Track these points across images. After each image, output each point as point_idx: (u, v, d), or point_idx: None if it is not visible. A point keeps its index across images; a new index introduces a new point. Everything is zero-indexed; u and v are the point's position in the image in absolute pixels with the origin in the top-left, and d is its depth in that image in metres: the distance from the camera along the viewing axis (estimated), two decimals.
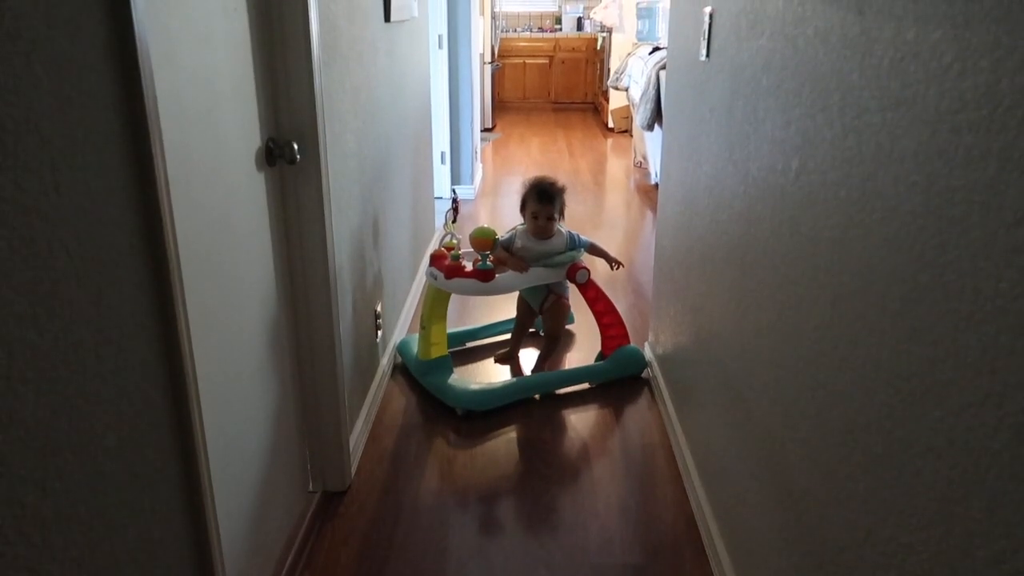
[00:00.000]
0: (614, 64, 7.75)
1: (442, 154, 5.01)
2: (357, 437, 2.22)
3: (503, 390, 2.55)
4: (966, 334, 0.81)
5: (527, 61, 9.69)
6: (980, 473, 0.79)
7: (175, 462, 1.13)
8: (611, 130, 8.12)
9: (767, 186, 1.48)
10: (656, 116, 4.97)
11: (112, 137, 0.94)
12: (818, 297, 1.21)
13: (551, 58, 9.67)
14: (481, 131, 6.71)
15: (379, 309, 2.56)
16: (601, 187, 5.91)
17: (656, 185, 4.64)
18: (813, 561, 1.24)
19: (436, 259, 2.58)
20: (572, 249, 2.67)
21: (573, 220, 4.89)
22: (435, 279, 2.52)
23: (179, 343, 1.10)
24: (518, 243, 2.62)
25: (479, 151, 5.80)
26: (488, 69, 7.66)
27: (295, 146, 1.69)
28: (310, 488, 2.02)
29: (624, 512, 2.04)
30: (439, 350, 2.62)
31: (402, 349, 2.81)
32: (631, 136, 6.97)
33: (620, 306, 3.49)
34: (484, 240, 2.54)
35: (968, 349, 0.81)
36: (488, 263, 2.51)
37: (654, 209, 3.98)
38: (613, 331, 2.80)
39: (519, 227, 2.68)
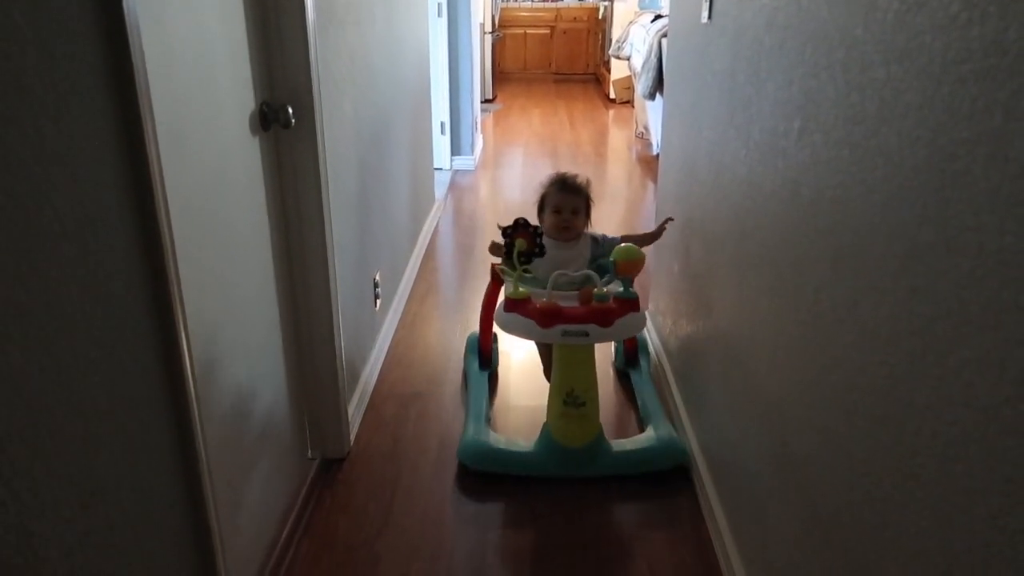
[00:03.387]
0: (616, 34, 7.66)
1: (442, 124, 4.97)
2: (356, 405, 2.22)
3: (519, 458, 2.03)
4: (968, 291, 0.80)
5: (528, 31, 9.57)
6: (980, 430, 0.78)
7: (170, 427, 1.12)
8: (613, 101, 8.05)
9: (769, 148, 1.45)
10: (658, 85, 4.92)
11: (98, 95, 0.92)
12: (818, 258, 1.20)
13: (552, 28, 9.55)
14: (481, 102, 6.65)
15: (378, 278, 2.55)
16: (603, 158, 5.87)
17: (657, 156, 4.59)
18: (812, 524, 1.23)
19: (558, 312, 1.86)
20: (600, 256, 2.13)
21: None
22: (587, 335, 1.84)
23: (172, 307, 1.09)
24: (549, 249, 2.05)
25: (479, 122, 5.75)
26: (488, 39, 7.57)
27: (290, 110, 1.66)
28: (309, 455, 2.02)
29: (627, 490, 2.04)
30: (596, 424, 2.01)
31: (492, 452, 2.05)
32: (633, 107, 6.91)
33: None
34: (636, 263, 1.95)
35: (970, 306, 0.79)
36: (632, 290, 1.95)
37: (655, 180, 3.95)
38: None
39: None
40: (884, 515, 0.98)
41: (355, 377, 2.26)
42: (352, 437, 2.15)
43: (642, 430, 2.16)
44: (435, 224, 4.10)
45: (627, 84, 7.49)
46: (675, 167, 2.46)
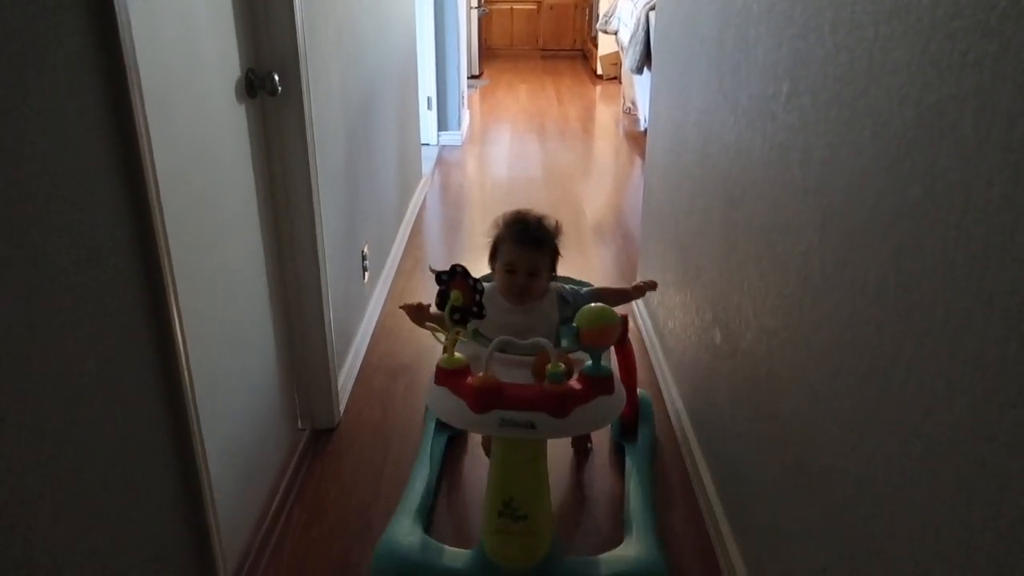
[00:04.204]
0: (603, 8, 7.61)
1: (428, 99, 4.93)
2: (345, 376, 2.22)
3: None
4: (955, 244, 0.81)
5: (514, 7, 9.49)
6: (965, 380, 0.79)
7: (160, 394, 1.12)
8: (600, 77, 8.02)
9: (757, 113, 1.46)
10: (645, 59, 4.90)
11: (85, 57, 0.91)
12: (807, 221, 1.21)
13: (539, 3, 9.48)
14: (468, 78, 6.60)
15: (366, 251, 2.54)
16: (590, 134, 5.86)
17: (645, 131, 4.60)
18: (799, 482, 1.25)
19: (497, 391, 1.37)
20: (568, 319, 1.59)
21: (562, 174, 4.90)
22: (534, 427, 1.34)
23: (162, 273, 1.08)
24: (488, 311, 1.50)
25: (466, 97, 5.71)
26: (475, 14, 7.51)
27: (276, 77, 1.64)
28: (299, 426, 2.02)
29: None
30: (544, 543, 1.48)
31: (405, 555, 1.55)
32: (620, 83, 6.88)
33: (608, 252, 3.50)
34: (606, 330, 1.43)
35: (956, 258, 0.80)
36: (605, 365, 1.44)
37: (643, 155, 3.95)
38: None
39: (489, 285, 1.62)
40: (870, 468, 0.99)
41: (345, 349, 2.26)
42: (342, 408, 2.16)
43: (620, 540, 1.65)
44: (422, 199, 4.09)
45: (614, 60, 7.46)
46: (663, 139, 2.46)
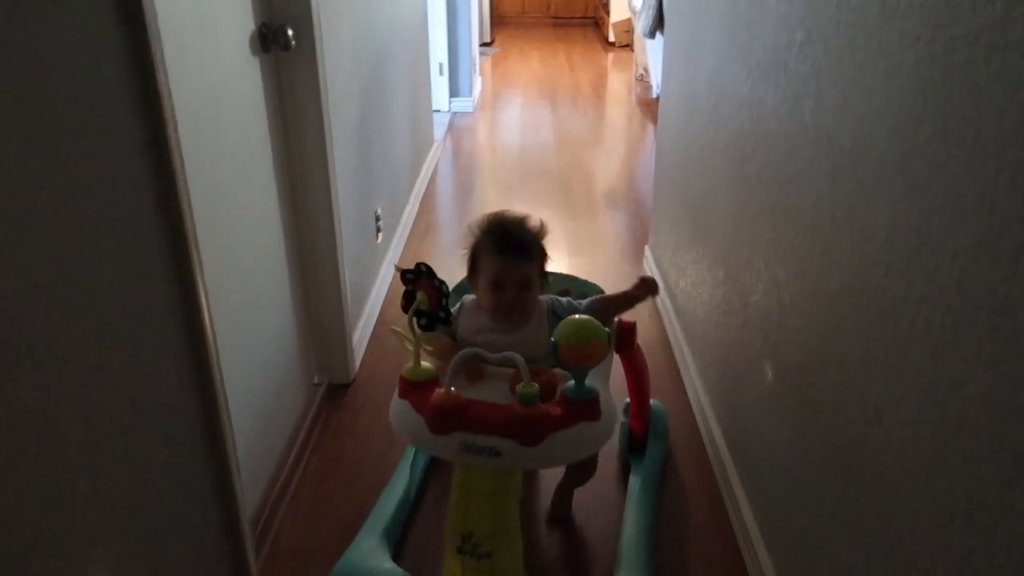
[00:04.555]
0: None
1: (440, 65, 4.91)
2: (360, 334, 2.25)
3: None
4: (964, 180, 0.82)
5: None
6: (971, 312, 0.80)
7: (184, 340, 1.14)
8: (612, 44, 7.94)
9: (770, 65, 1.45)
10: (658, 23, 4.86)
11: (105, 9, 0.92)
12: (818, 170, 1.21)
13: None
14: (480, 45, 6.56)
15: (379, 212, 2.56)
16: (602, 101, 5.82)
17: (657, 98, 4.56)
18: (807, 429, 1.27)
19: (461, 409, 1.20)
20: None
21: (573, 141, 4.89)
22: (499, 455, 1.17)
23: (183, 223, 1.10)
24: (465, 329, 1.43)
25: (478, 63, 5.68)
26: None
27: (289, 32, 1.65)
28: (315, 381, 2.06)
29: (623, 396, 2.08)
30: None
31: None
32: (632, 50, 6.82)
33: (621, 217, 3.50)
34: (590, 348, 1.20)
35: (966, 194, 0.81)
36: (590, 386, 1.23)
37: (655, 121, 3.93)
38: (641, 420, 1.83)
39: (468, 298, 1.48)
40: (877, 409, 1.01)
41: (359, 306, 2.29)
42: (357, 364, 2.19)
43: None
44: (434, 165, 4.09)
45: (627, 27, 7.38)
46: (676, 100, 2.46)
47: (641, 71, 6.18)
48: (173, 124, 1.07)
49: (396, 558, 1.52)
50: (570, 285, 1.72)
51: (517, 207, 3.43)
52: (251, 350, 1.58)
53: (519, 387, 1.17)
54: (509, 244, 1.38)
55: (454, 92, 5.17)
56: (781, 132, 1.40)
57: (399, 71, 3.03)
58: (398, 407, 1.27)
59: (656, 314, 2.55)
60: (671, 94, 2.55)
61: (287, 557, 1.59)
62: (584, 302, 1.51)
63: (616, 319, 1.58)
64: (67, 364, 0.84)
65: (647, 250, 2.89)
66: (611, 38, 7.95)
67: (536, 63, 7.14)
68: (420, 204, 3.52)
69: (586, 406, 1.21)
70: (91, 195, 0.89)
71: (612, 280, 2.83)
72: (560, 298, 1.51)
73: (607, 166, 4.33)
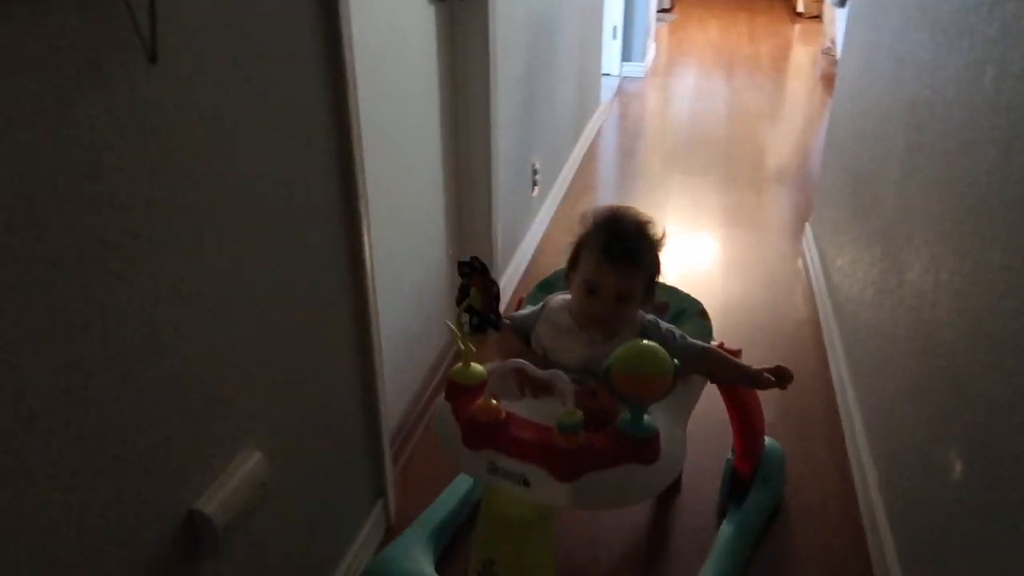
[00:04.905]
0: None
1: (614, 28, 4.88)
2: (507, 279, 2.34)
3: None
4: None
5: None
6: None
7: (345, 264, 1.26)
8: (800, 15, 7.51)
9: (956, 28, 1.36)
10: None
11: None
12: (992, 140, 1.14)
13: None
14: (658, 11, 6.44)
15: (537, 165, 2.63)
16: (782, 73, 5.56)
17: None
18: (954, 413, 1.22)
19: (499, 426, 1.05)
20: None
21: (747, 113, 4.71)
22: (528, 485, 1.03)
23: (352, 153, 1.21)
24: (542, 331, 1.27)
25: (653, 29, 5.59)
26: None
27: None
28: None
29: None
30: None
31: None
32: (821, 22, 6.43)
33: (783, 193, 3.37)
34: (650, 380, 1.01)
35: None
36: (648, 422, 1.03)
37: None
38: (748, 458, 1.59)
39: (554, 298, 1.31)
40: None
41: (509, 253, 2.38)
42: (503, 307, 2.28)
43: None
44: (598, 127, 4.11)
45: None
46: (855, 67, 2.33)
47: (828, 43, 5.82)
48: (351, 62, 1.17)
49: (441, 563, 1.39)
50: (668, 297, 1.45)
51: (677, 176, 3.40)
52: (404, 278, 1.71)
53: (562, 417, 0.99)
54: (617, 248, 1.18)
55: (626, 57, 5.13)
56: (959, 100, 1.31)
57: (569, 30, 3.07)
58: (441, 409, 1.13)
59: (809, 293, 2.46)
60: (851, 59, 2.42)
61: (417, 474, 1.71)
62: (689, 341, 1.25)
63: (718, 342, 1.35)
64: (242, 260, 0.96)
65: (807, 227, 2.78)
66: (800, 8, 7.52)
67: (715, 32, 6.90)
68: (580, 163, 3.56)
69: (640, 445, 1.01)
70: (280, 117, 1.01)
71: (759, 257, 2.76)
72: (661, 322, 1.26)
73: (780, 140, 4.16)
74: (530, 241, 2.64)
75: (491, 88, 1.92)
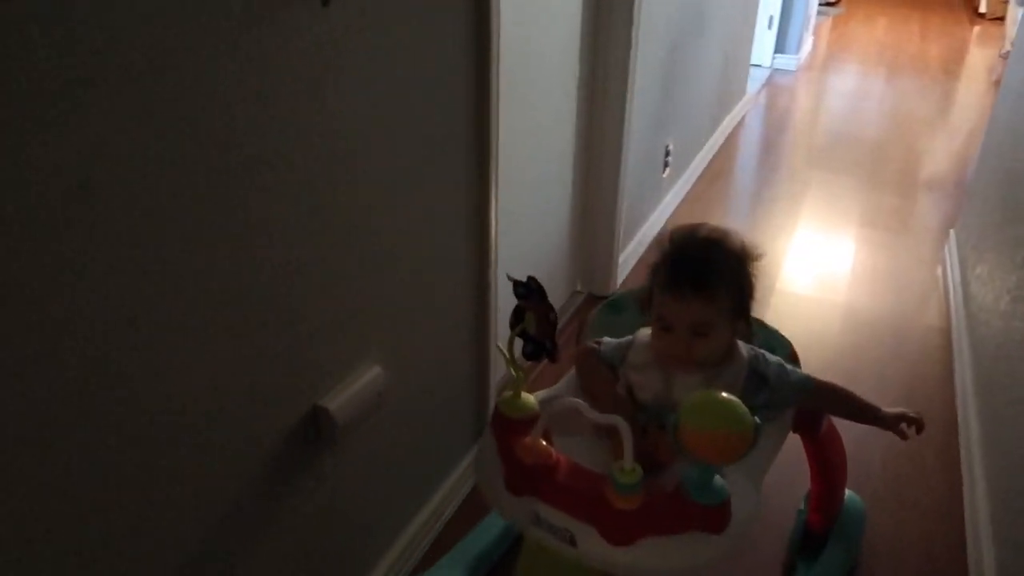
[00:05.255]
0: None
1: (770, 18, 4.74)
2: (628, 255, 2.38)
3: None
4: None
5: None
6: None
7: (472, 209, 1.35)
8: (982, 16, 6.99)
9: None
10: None
11: None
12: None
13: None
14: (822, 3, 6.18)
15: (670, 147, 2.64)
16: (952, 76, 5.22)
17: None
18: None
19: (546, 473, 0.93)
20: (763, 404, 1.06)
21: (904, 116, 4.45)
22: (574, 544, 0.91)
23: (488, 109, 1.29)
24: (629, 366, 1.11)
25: (812, 22, 5.39)
26: None
27: None
28: (577, 288, 2.24)
29: (881, 380, 2.00)
30: None
31: None
32: (1003, 23, 5.97)
33: (933, 201, 3.20)
34: (724, 440, 0.86)
35: None
36: (718, 485, 0.90)
37: None
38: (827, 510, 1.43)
39: (644, 330, 1.13)
40: None
41: (633, 230, 2.42)
42: (619, 282, 2.34)
43: None
44: (741, 117, 4.03)
45: None
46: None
47: (1008, 47, 5.40)
48: (498, 24, 1.25)
49: None
50: (756, 330, 1.25)
51: (817, 172, 3.30)
52: (526, 236, 1.79)
53: (617, 468, 0.86)
54: (683, 275, 1.02)
55: (780, 48, 4.98)
56: None
57: (720, 15, 3.04)
58: (485, 442, 1.02)
59: (944, 301, 2.35)
60: (1021, 55, 2.29)
61: None
62: (802, 375, 1.12)
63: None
64: (381, 193, 1.07)
65: (951, 233, 2.64)
66: (982, 8, 7.00)
67: (881, 30, 6.55)
68: (717, 151, 3.52)
69: (707, 513, 0.88)
70: (429, 68, 1.11)
71: (895, 261, 2.66)
72: (771, 356, 1.10)
73: (937, 147, 3.94)
74: (656, 220, 2.67)
75: (630, 65, 1.96)
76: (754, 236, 2.75)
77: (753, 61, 4.28)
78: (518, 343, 1.01)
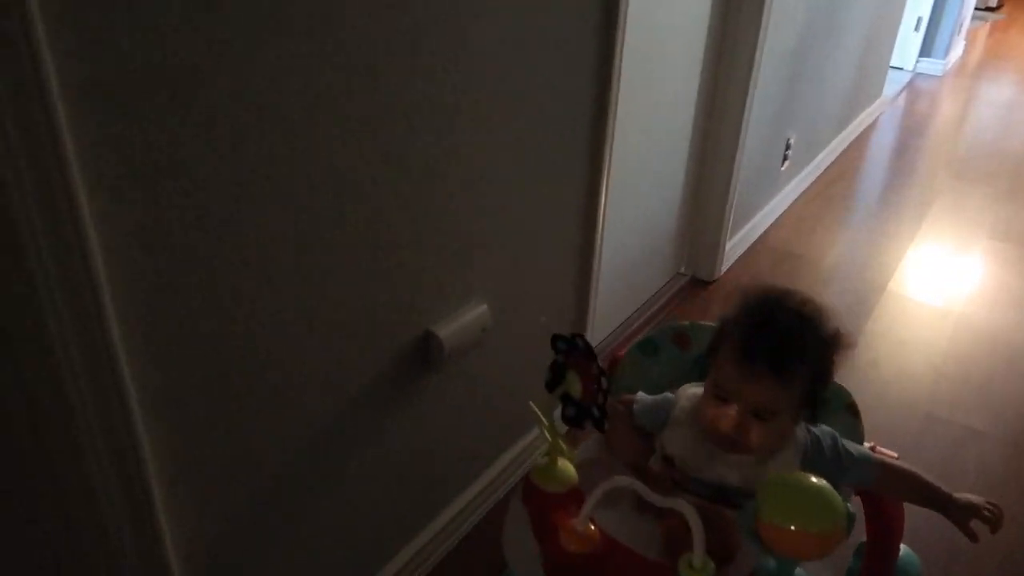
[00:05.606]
0: None
1: (918, 20, 4.56)
2: (736, 243, 2.41)
3: None
4: None
5: None
6: None
7: (585, 171, 1.44)
8: None
9: None
10: None
11: None
12: None
13: None
14: (982, 8, 5.85)
15: (791, 140, 2.64)
16: None
17: None
18: None
19: (593, 557, 0.81)
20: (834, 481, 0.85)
21: None
22: None
23: (611, 83, 1.38)
24: (670, 430, 0.97)
25: (966, 25, 5.12)
26: None
27: None
28: (681, 270, 2.30)
29: (988, 391, 1.95)
30: None
31: None
32: None
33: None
34: (813, 539, 0.76)
35: None
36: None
37: None
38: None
39: (688, 390, 1.00)
40: None
41: (743, 218, 2.44)
42: (724, 268, 2.37)
43: None
44: (875, 119, 3.92)
45: None
46: None
47: None
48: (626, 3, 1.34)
49: None
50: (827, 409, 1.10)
51: (949, 180, 3.19)
52: (635, 211, 1.87)
53: (685, 563, 0.76)
54: (760, 351, 0.87)
55: (925, 52, 4.77)
56: None
57: (857, 14, 2.97)
58: (515, 516, 0.90)
59: None
60: None
61: None
62: (862, 456, 0.97)
63: (870, 445, 1.05)
64: (504, 144, 1.19)
65: None
66: None
67: None
68: (844, 149, 3.46)
69: None
70: (559, 19, 1.21)
71: (1018, 279, 2.54)
72: (823, 438, 0.96)
73: None
74: (768, 212, 2.67)
75: (756, 55, 1.99)
76: (869, 238, 2.76)
77: (893, 63, 4.14)
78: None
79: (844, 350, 0.92)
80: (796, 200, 2.91)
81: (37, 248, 0.64)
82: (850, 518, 0.75)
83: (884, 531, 1.15)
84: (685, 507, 0.76)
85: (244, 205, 0.82)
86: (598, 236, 1.53)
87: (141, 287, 0.75)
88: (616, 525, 0.84)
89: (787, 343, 0.88)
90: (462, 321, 1.20)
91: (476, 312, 1.23)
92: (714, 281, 2.33)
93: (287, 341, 0.93)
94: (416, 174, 1.03)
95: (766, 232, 2.66)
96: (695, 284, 2.32)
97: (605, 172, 1.48)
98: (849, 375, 1.91)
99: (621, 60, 1.40)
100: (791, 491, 0.77)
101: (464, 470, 1.41)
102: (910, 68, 4.72)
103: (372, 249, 1.00)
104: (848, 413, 1.07)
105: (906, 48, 4.55)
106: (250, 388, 0.91)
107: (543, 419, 0.89)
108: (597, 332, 1.78)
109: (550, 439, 0.89)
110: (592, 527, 0.81)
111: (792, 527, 0.75)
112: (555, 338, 0.88)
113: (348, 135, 0.91)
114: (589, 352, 0.86)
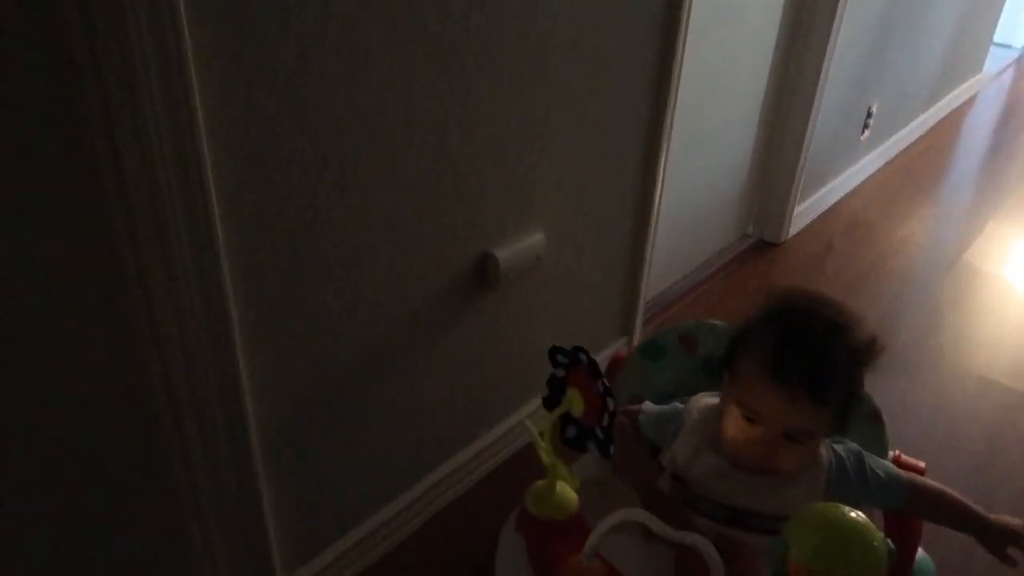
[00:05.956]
0: None
1: None
2: (806, 207, 2.42)
3: None
4: None
5: None
6: None
7: (647, 117, 1.50)
8: None
9: None
10: None
11: None
12: None
13: None
14: None
15: (873, 109, 2.60)
16: None
17: None
18: None
19: None
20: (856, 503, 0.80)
21: None
22: None
23: (676, 39, 1.43)
24: (681, 445, 0.90)
25: None
26: None
27: None
28: (748, 231, 2.33)
29: None
30: None
31: None
32: None
33: None
34: None
35: None
36: None
37: None
38: None
39: (700, 401, 0.93)
40: None
41: (816, 183, 2.44)
42: (791, 232, 2.38)
43: None
44: (972, 95, 3.79)
45: None
46: None
47: None
48: None
49: None
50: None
51: None
52: (699, 172, 1.91)
53: None
54: (797, 371, 0.79)
55: None
56: None
57: None
58: (508, 546, 0.84)
59: None
60: None
61: None
62: (892, 477, 0.89)
63: (895, 454, 1.00)
64: (568, 94, 1.27)
65: None
66: None
67: None
68: (933, 126, 3.36)
69: None
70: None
71: None
72: (850, 452, 0.90)
73: None
74: (845, 180, 2.65)
75: (837, 15, 1.98)
76: (950, 212, 2.70)
77: (997, 39, 3.96)
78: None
79: (876, 359, 0.84)
80: (877, 171, 2.88)
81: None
82: (891, 555, 0.69)
83: (902, 535, 1.01)
84: (701, 543, 0.70)
85: (330, 122, 0.93)
86: (658, 187, 1.60)
87: (235, 170, 0.86)
88: (623, 555, 0.76)
89: (825, 361, 0.80)
90: (520, 245, 1.30)
91: (533, 239, 1.32)
92: (781, 244, 2.35)
93: (359, 247, 1.05)
94: (482, 112, 1.12)
95: (841, 200, 2.64)
96: (761, 246, 2.35)
97: (667, 123, 1.53)
98: (909, 342, 1.93)
99: (689, 12, 1.45)
100: (827, 529, 0.69)
101: (512, 394, 1.51)
102: (1018, 46, 4.50)
103: (437, 176, 1.11)
104: (872, 421, 1.01)
105: (1015, 24, 4.33)
106: (326, 276, 1.03)
107: (539, 439, 0.80)
108: (652, 286, 1.83)
109: (547, 463, 0.80)
110: (600, 563, 0.73)
111: (829, 571, 0.67)
112: (554, 351, 0.80)
113: (424, 73, 1.01)
114: (593, 368, 0.78)
